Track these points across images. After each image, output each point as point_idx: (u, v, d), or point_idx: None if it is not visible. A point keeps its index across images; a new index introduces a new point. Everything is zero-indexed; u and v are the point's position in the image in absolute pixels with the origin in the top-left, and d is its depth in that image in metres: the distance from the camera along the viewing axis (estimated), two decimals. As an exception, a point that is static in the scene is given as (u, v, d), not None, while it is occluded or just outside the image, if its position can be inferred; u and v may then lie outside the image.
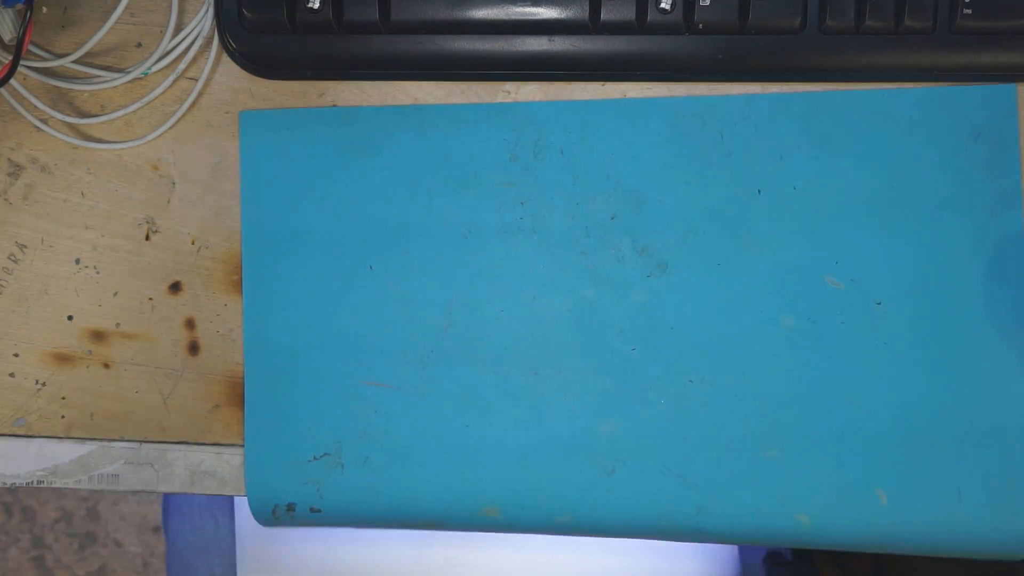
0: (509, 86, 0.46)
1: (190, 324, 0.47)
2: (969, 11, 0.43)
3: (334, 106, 0.47)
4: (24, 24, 0.43)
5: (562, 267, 0.46)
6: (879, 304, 0.45)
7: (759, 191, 0.46)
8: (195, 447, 0.48)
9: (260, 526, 0.48)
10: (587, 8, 0.44)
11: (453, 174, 0.46)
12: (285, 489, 0.47)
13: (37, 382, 0.48)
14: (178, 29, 0.46)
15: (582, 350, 0.46)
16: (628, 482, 0.46)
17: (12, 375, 0.48)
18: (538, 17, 0.44)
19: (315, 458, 0.47)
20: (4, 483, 0.48)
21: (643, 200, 0.46)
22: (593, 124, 0.46)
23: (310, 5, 0.44)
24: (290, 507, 0.47)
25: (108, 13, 0.46)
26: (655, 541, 0.48)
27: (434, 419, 0.46)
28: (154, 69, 0.46)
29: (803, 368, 0.45)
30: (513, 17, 0.44)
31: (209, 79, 0.47)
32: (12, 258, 0.48)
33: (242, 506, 0.69)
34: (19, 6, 0.44)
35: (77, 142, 0.47)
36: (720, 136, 0.46)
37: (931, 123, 0.45)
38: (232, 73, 0.47)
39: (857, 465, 0.45)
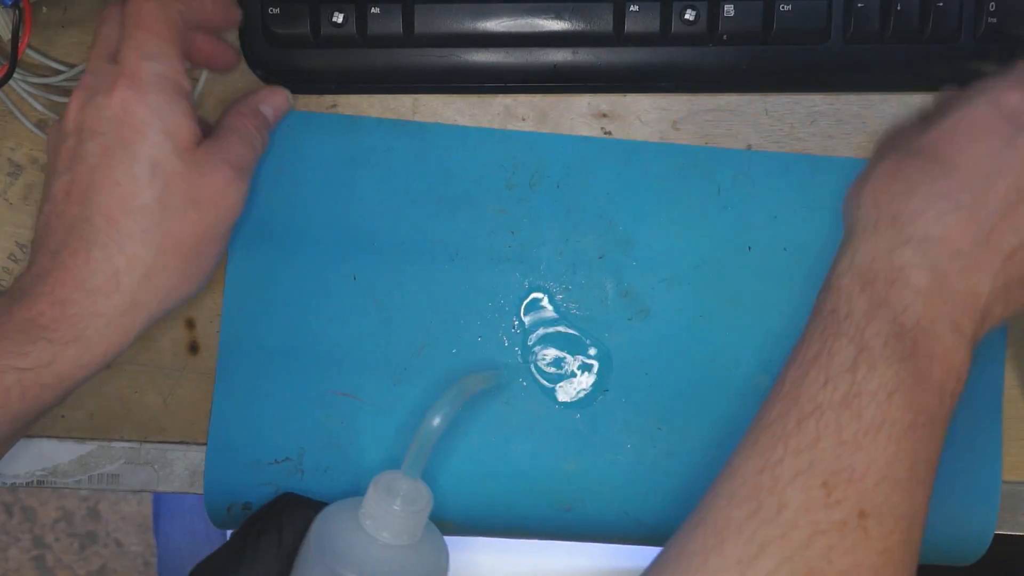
0: (508, 99, 0.46)
1: (190, 324, 0.47)
2: (994, 20, 0.42)
3: (336, 113, 0.47)
4: (18, 23, 0.43)
5: (545, 301, 0.46)
6: None
7: (749, 248, 0.45)
8: (195, 447, 0.48)
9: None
10: (611, 20, 0.44)
11: (448, 194, 0.46)
12: (242, 489, 0.47)
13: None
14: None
15: (556, 386, 0.46)
16: (584, 519, 0.46)
17: (12, 374, 0.48)
18: (562, 29, 0.44)
19: (276, 461, 0.47)
20: (4, 483, 0.48)
21: (633, 243, 0.46)
22: (592, 161, 0.46)
23: (334, 19, 0.44)
24: (246, 506, 0.47)
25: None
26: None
27: (399, 436, 0.46)
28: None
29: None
30: (537, 30, 0.44)
31: (210, 79, 0.47)
32: (12, 258, 0.48)
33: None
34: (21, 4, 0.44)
35: (77, 142, 0.47)
36: (717, 189, 0.46)
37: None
38: (233, 73, 0.47)
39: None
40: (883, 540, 0.31)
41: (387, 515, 0.40)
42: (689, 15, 0.43)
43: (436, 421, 0.41)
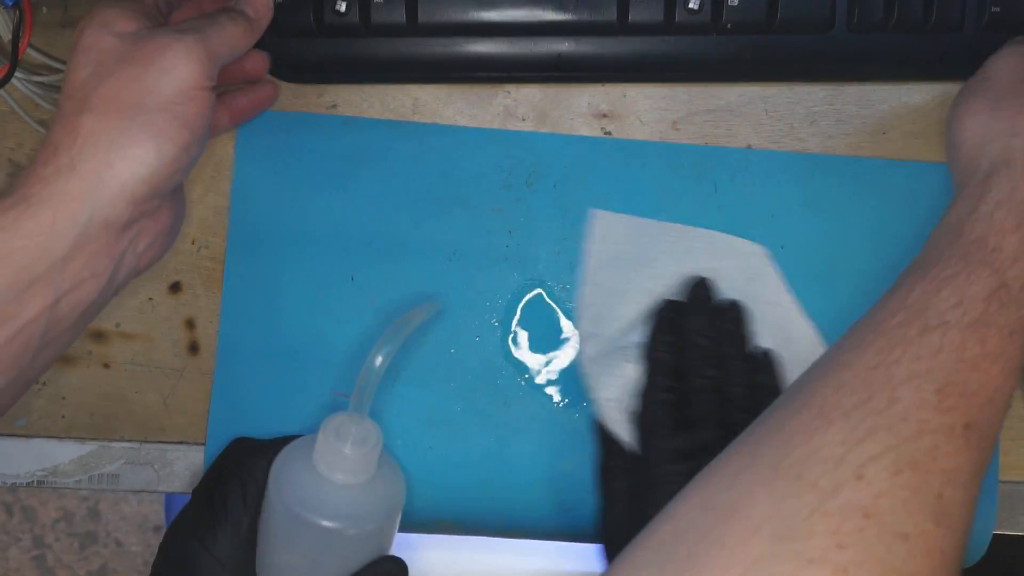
0: (509, 88, 0.46)
1: (190, 324, 0.47)
2: (997, 9, 0.42)
3: (334, 112, 0.47)
4: (19, 23, 0.43)
5: (543, 300, 0.46)
6: None
7: None
8: (195, 447, 0.48)
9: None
10: (615, 9, 0.43)
11: (445, 194, 0.46)
12: None
13: (37, 382, 0.48)
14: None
15: (554, 386, 0.46)
16: (584, 519, 0.46)
17: (12, 375, 0.48)
18: (566, 19, 0.44)
19: None
20: (4, 483, 0.48)
21: None
22: (590, 161, 0.46)
23: (337, 8, 0.44)
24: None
25: (108, 13, 0.45)
26: None
27: (397, 437, 0.46)
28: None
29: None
30: (541, 19, 0.44)
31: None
32: (13, 258, 0.48)
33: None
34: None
35: (77, 142, 0.47)
36: (715, 187, 0.46)
37: (927, 199, 0.44)
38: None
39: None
40: (979, 454, 0.33)
41: (339, 458, 0.40)
42: (693, 4, 0.43)
43: (379, 360, 0.41)
